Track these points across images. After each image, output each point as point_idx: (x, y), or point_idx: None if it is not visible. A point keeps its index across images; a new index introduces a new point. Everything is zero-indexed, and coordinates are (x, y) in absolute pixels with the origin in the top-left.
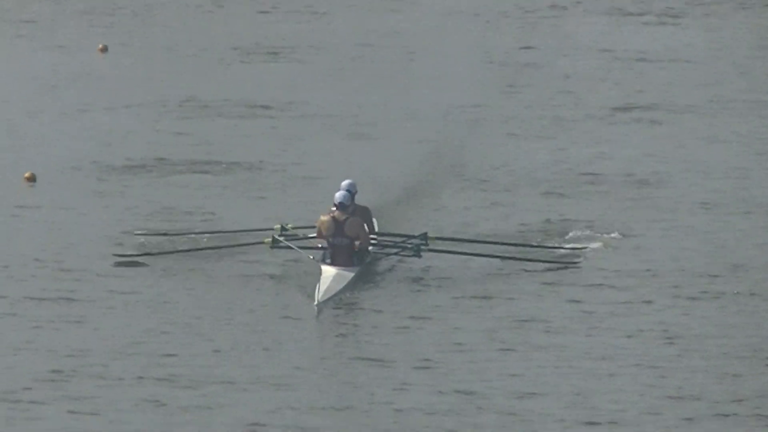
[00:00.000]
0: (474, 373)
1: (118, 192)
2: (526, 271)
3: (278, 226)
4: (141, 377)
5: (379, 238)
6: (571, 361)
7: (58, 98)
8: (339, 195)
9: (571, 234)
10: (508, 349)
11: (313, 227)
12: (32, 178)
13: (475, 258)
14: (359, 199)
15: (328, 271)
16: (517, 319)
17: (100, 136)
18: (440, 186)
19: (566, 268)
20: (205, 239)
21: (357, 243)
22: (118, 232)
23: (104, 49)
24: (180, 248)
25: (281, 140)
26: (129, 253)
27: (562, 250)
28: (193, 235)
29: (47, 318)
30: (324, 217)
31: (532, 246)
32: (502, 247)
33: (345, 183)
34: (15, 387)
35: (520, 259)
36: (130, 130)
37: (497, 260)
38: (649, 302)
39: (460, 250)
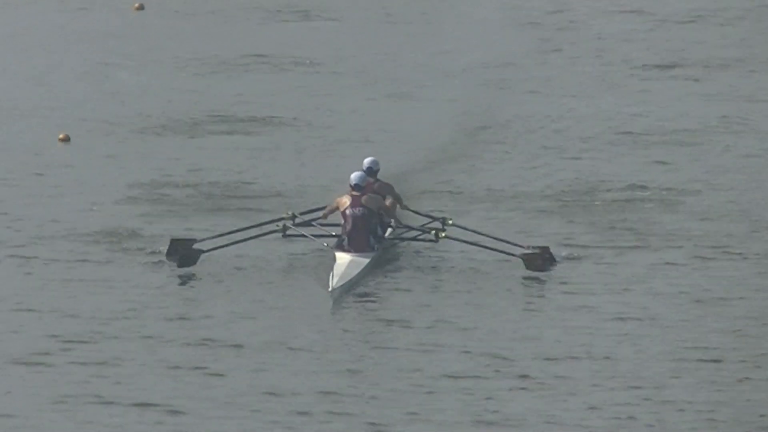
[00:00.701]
0: (490, 358)
1: (151, 151)
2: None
3: (289, 213)
4: (153, 366)
5: (397, 220)
6: (593, 344)
7: (95, 57)
8: (355, 176)
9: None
10: (524, 338)
11: (321, 209)
12: (66, 139)
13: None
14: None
15: (343, 258)
16: (530, 307)
17: (135, 95)
18: (470, 146)
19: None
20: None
21: (384, 211)
22: (150, 191)
23: (140, 8)
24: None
25: (315, 96)
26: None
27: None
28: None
29: (77, 278)
30: (342, 197)
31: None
32: (517, 248)
33: (367, 161)
34: (37, 348)
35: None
36: (166, 89)
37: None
38: (680, 264)
39: (477, 242)
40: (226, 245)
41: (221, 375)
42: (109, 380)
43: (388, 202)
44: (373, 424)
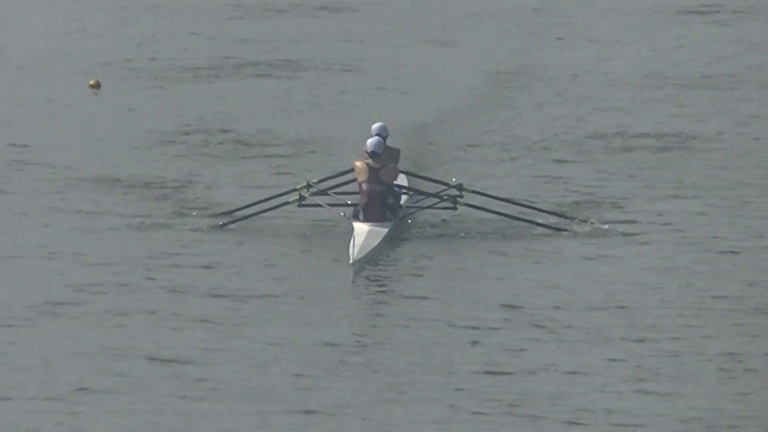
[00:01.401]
0: (511, 332)
1: (179, 97)
2: (558, 234)
3: (303, 183)
4: (170, 337)
5: (412, 188)
6: (610, 320)
7: (122, 5)
8: (371, 142)
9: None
10: (543, 309)
11: (339, 174)
12: (97, 85)
13: (510, 219)
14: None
15: (361, 228)
16: (550, 280)
17: (164, 40)
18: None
19: (601, 236)
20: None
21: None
22: (179, 137)
23: None
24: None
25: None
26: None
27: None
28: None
29: (106, 228)
30: (359, 163)
31: (567, 217)
32: (538, 213)
33: (376, 126)
34: (59, 296)
35: (553, 228)
36: (194, 32)
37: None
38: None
39: (495, 208)
40: (247, 217)
41: (242, 336)
42: (126, 331)
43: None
44: (395, 391)
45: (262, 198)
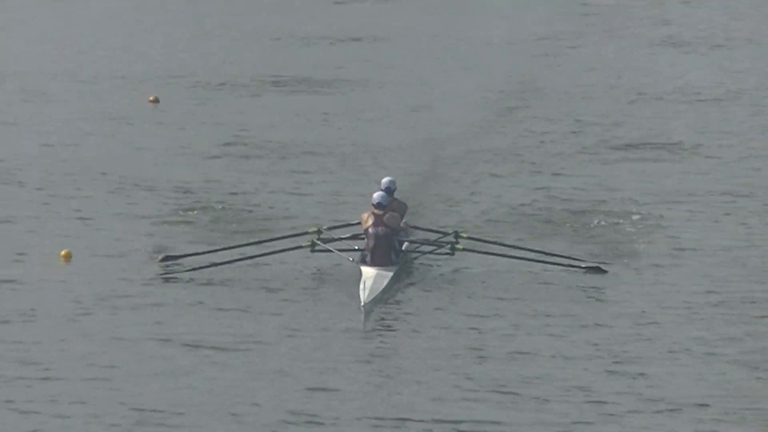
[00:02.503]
0: (522, 370)
1: (233, 109)
2: (552, 273)
3: (314, 229)
4: (182, 374)
5: (413, 236)
6: (610, 365)
7: (178, 21)
8: (377, 195)
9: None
10: (545, 348)
11: (348, 225)
12: (156, 101)
13: (506, 260)
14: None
15: (369, 272)
16: (551, 321)
17: (218, 56)
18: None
19: (594, 273)
20: (240, 253)
21: (399, 229)
22: (233, 147)
23: None
24: (221, 261)
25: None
26: (170, 271)
27: (587, 264)
28: (230, 250)
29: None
30: (365, 214)
31: (561, 256)
32: (532, 254)
33: (385, 181)
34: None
35: (545, 263)
36: (247, 50)
37: (526, 264)
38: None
39: (490, 251)
40: (260, 255)
41: (260, 380)
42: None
43: (402, 223)
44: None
45: (274, 238)
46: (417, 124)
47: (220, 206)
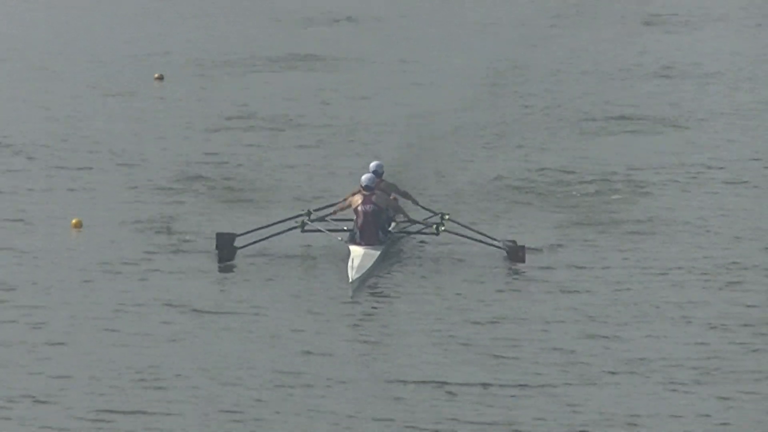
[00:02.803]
0: (509, 348)
1: (236, 86)
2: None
3: (305, 211)
4: (176, 358)
5: (401, 213)
6: (595, 336)
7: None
8: (365, 178)
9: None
10: (530, 323)
11: (332, 205)
12: (161, 78)
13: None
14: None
15: (357, 251)
16: (518, 292)
17: (222, 35)
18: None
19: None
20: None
21: (389, 210)
22: (235, 122)
23: None
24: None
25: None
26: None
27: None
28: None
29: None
30: (354, 195)
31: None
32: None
33: (373, 164)
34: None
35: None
36: (251, 29)
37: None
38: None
39: (469, 235)
40: (257, 241)
41: (255, 344)
42: (132, 348)
43: (392, 197)
44: (397, 401)
45: (269, 223)
46: (410, 100)
47: (222, 177)
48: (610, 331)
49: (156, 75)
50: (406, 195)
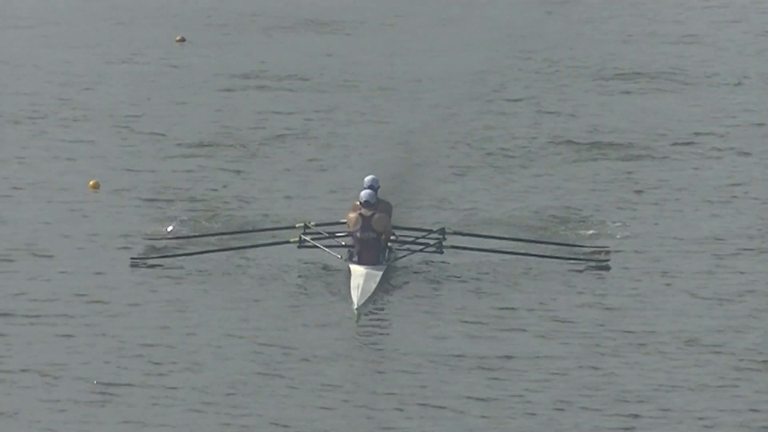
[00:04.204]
0: (521, 372)
1: (258, 48)
2: (546, 266)
3: (301, 224)
4: (168, 384)
5: (399, 234)
6: (601, 358)
7: None
8: (364, 194)
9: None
10: (541, 341)
11: (335, 224)
12: (183, 40)
13: (494, 255)
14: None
15: (358, 271)
16: (543, 314)
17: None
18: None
19: (593, 264)
20: (226, 238)
21: (383, 237)
22: (256, 81)
23: None
24: (204, 249)
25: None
26: (147, 255)
27: (586, 248)
28: (216, 237)
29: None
30: (352, 214)
31: (554, 243)
32: (521, 244)
33: (368, 179)
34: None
35: (539, 256)
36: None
37: (517, 257)
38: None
39: (478, 245)
40: (247, 247)
41: (271, 385)
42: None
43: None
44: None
45: (261, 235)
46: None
47: (241, 139)
48: (621, 368)
49: (177, 37)
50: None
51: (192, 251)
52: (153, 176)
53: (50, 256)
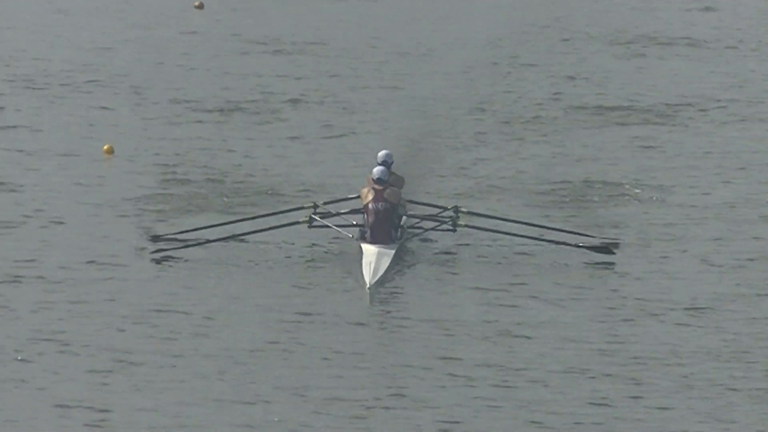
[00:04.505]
0: (528, 350)
1: (277, 15)
2: (556, 249)
3: (310, 204)
4: (187, 364)
5: (412, 209)
6: (612, 343)
7: None
8: (377, 171)
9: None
10: (548, 328)
11: (344, 200)
12: (201, 6)
13: (507, 237)
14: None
15: (370, 250)
16: (552, 293)
17: None
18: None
19: (599, 251)
20: (237, 227)
21: (397, 206)
22: (274, 46)
23: None
24: (216, 237)
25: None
26: (165, 247)
27: (594, 239)
28: (226, 226)
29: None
30: (365, 189)
31: (564, 231)
32: (534, 229)
33: (382, 154)
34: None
35: (549, 241)
36: None
37: (529, 240)
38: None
39: (492, 226)
40: (256, 231)
41: (262, 357)
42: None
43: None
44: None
45: (270, 216)
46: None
47: (257, 106)
48: (633, 348)
49: (196, 3)
50: (404, 201)
51: (201, 240)
52: (168, 142)
53: (63, 222)
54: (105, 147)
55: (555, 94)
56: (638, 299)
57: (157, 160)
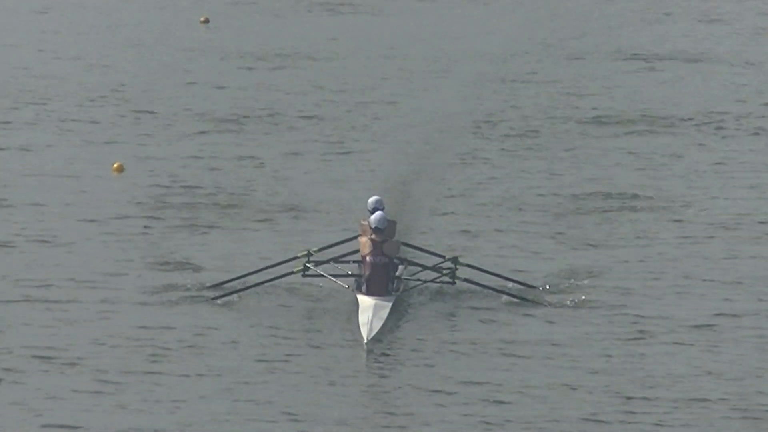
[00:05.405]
0: (533, 408)
1: (283, 30)
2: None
3: (304, 252)
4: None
5: (409, 258)
6: (610, 397)
7: None
8: (376, 218)
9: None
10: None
11: (339, 243)
12: (207, 21)
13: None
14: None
15: (367, 302)
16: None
17: None
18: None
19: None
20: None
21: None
22: (279, 61)
23: None
24: (214, 296)
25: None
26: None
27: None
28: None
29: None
30: (363, 239)
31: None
32: (531, 291)
33: (373, 200)
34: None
35: (544, 305)
36: None
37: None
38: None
39: (491, 283)
40: (248, 287)
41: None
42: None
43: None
44: None
45: (262, 267)
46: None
47: (264, 121)
48: (646, 410)
49: (202, 18)
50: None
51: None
52: (173, 159)
53: (71, 243)
54: (115, 165)
55: (560, 108)
56: (637, 318)
57: (159, 181)
